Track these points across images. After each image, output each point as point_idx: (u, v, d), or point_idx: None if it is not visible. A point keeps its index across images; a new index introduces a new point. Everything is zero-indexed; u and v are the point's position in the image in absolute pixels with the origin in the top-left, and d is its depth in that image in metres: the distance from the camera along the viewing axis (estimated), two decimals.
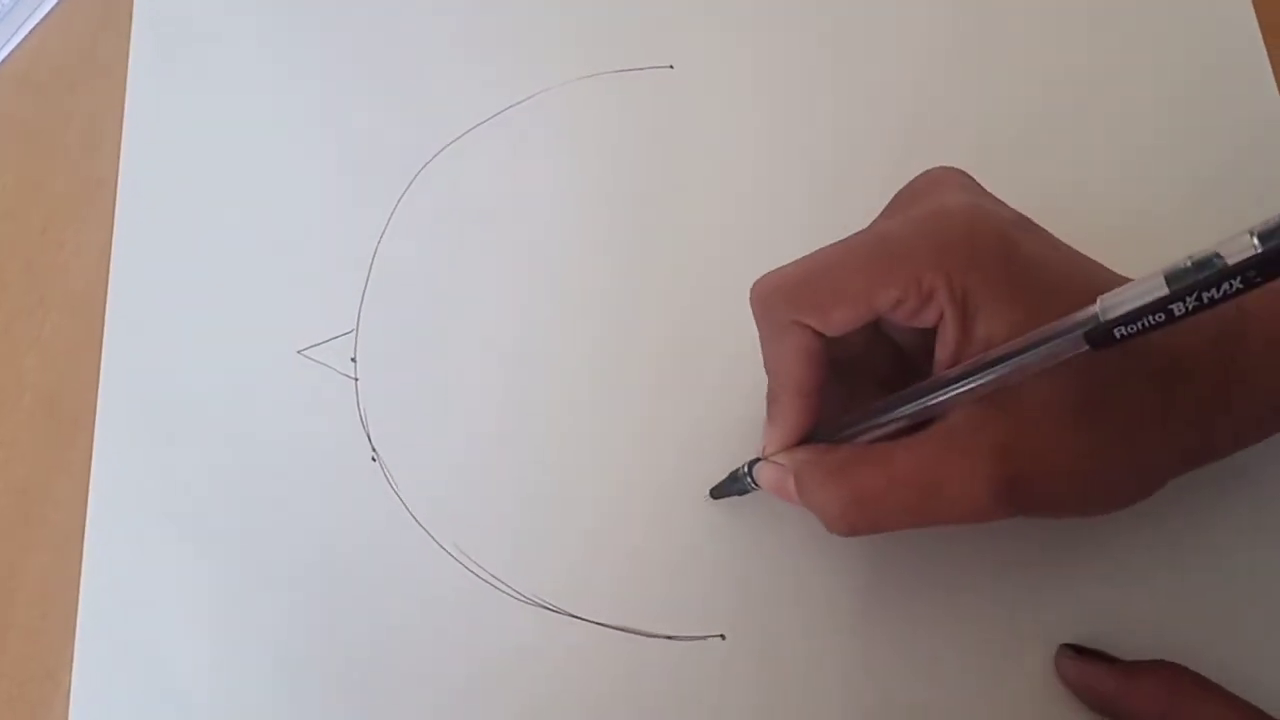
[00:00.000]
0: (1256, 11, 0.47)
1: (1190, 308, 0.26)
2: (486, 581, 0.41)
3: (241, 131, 0.48)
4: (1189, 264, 0.26)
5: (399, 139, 0.47)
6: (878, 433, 0.34)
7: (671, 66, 0.48)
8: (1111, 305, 0.28)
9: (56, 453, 0.45)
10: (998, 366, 0.31)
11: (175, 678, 0.41)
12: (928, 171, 0.36)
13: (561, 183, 0.46)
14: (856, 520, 0.34)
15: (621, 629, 0.40)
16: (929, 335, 0.34)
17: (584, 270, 0.45)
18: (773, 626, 0.40)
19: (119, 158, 0.49)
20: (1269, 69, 0.46)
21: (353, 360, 0.44)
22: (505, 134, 0.47)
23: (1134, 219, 0.44)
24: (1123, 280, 0.32)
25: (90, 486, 0.43)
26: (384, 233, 0.46)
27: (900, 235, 0.33)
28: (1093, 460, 0.33)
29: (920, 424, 0.33)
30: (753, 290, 0.35)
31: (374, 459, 0.43)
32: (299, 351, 0.45)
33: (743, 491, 0.39)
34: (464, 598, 0.41)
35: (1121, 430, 0.33)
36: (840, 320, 0.33)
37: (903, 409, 0.34)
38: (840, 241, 0.34)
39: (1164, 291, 0.26)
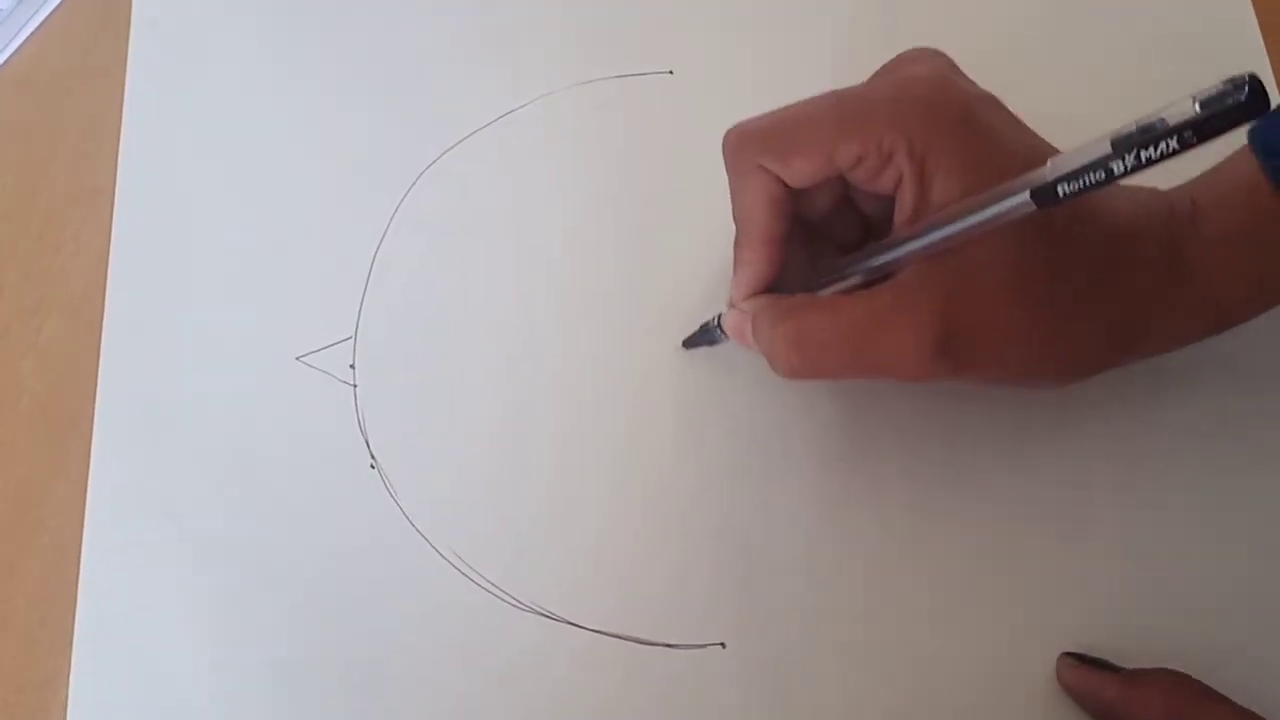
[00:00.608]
0: (1256, 13, 0.47)
1: (1129, 166, 0.27)
2: (486, 589, 0.41)
3: (240, 136, 0.48)
4: (1134, 128, 0.27)
5: (398, 144, 0.47)
6: (836, 289, 0.36)
7: (671, 72, 0.48)
8: (1059, 164, 0.29)
9: (54, 457, 0.44)
10: (948, 225, 0.32)
11: (173, 685, 0.41)
12: (911, 49, 0.37)
13: (562, 188, 0.46)
14: (799, 362, 0.35)
15: (621, 637, 0.40)
16: (893, 207, 0.35)
17: (584, 276, 0.45)
18: (773, 635, 0.39)
19: (117, 161, 0.48)
20: (1269, 70, 0.46)
21: (351, 367, 0.44)
22: (505, 139, 0.47)
23: None
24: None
25: (88, 491, 0.43)
26: (383, 239, 0.46)
27: (867, 96, 0.35)
28: (1031, 325, 0.34)
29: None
30: (724, 139, 0.37)
31: (373, 466, 0.43)
32: (298, 358, 0.44)
33: (713, 342, 0.42)
34: (463, 605, 0.41)
35: (1061, 299, 0.34)
36: (802, 169, 0.35)
37: (859, 265, 0.35)
38: (810, 98, 0.36)
39: (1107, 150, 0.27)
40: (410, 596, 0.41)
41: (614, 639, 0.40)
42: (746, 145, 0.36)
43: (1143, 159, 0.27)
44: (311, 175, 0.47)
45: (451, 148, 0.47)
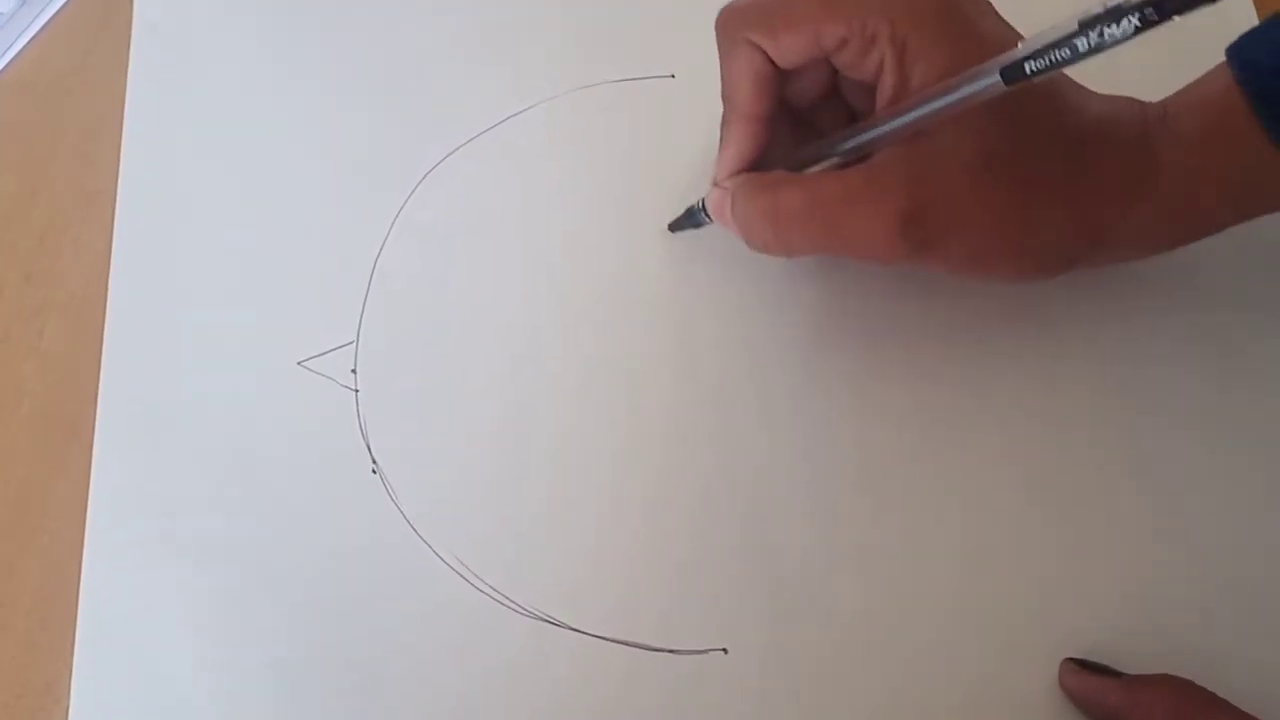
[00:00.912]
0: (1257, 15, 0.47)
1: (1093, 43, 0.28)
2: (487, 594, 0.41)
3: (241, 139, 0.48)
4: (1101, 9, 0.28)
5: (399, 148, 0.47)
6: (816, 169, 0.37)
7: (673, 75, 0.48)
8: (1028, 43, 0.30)
9: (55, 460, 0.44)
10: (923, 105, 0.33)
11: (174, 687, 0.41)
12: None
13: (563, 192, 0.46)
14: (771, 237, 0.37)
15: (623, 642, 0.40)
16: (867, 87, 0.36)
17: (585, 280, 0.45)
18: (775, 640, 0.39)
19: (119, 165, 0.48)
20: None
21: (353, 371, 0.44)
22: (507, 143, 0.47)
23: None
24: None
25: (89, 495, 0.43)
26: (384, 244, 0.46)
27: None
28: (995, 209, 0.35)
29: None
30: (717, 17, 0.38)
31: (374, 470, 0.43)
32: (299, 363, 0.44)
33: (698, 224, 0.43)
34: (464, 610, 0.41)
35: (1028, 188, 0.35)
36: (788, 46, 0.36)
37: (838, 145, 0.37)
38: None
39: (1074, 28, 0.29)
40: (411, 600, 0.41)
41: (616, 644, 0.40)
42: (736, 19, 0.37)
43: (1106, 36, 0.28)
44: (313, 179, 0.47)
45: (453, 152, 0.47)
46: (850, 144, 0.36)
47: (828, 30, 0.35)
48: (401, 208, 0.46)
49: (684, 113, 0.47)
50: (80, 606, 0.42)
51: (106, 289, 0.47)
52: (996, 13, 0.36)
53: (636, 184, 0.46)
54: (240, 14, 0.51)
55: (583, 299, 0.45)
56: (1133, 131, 0.36)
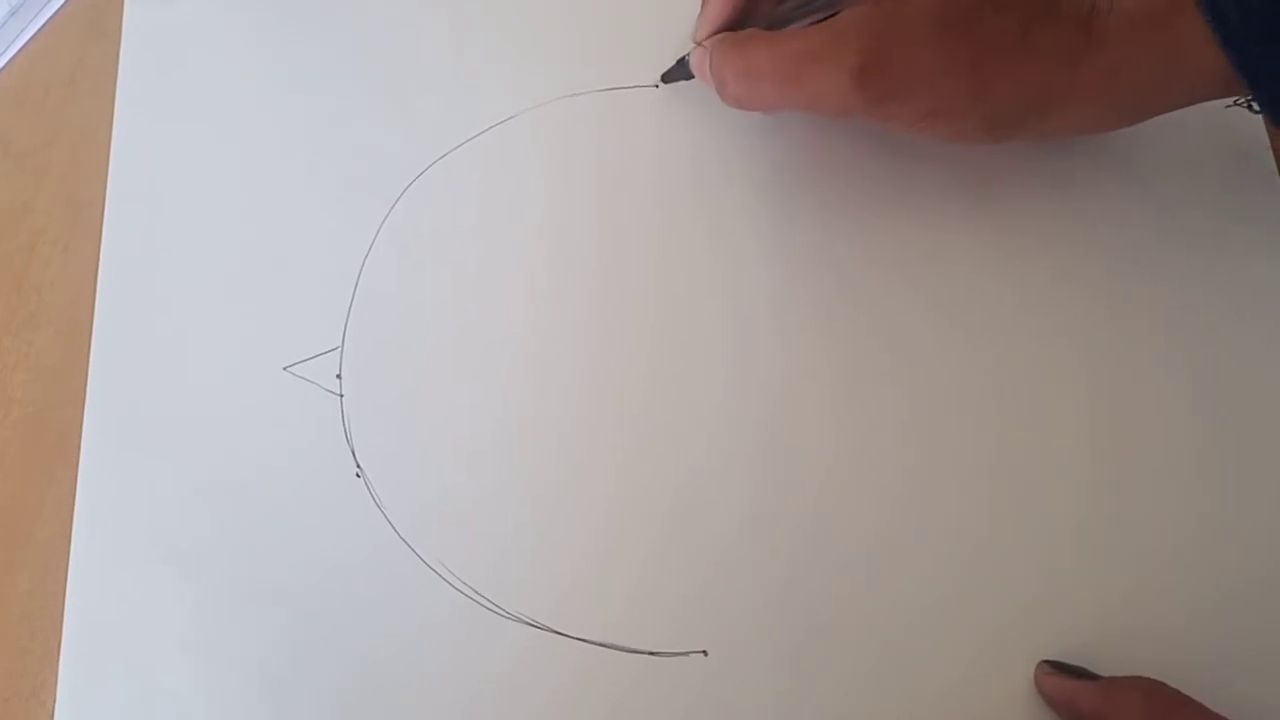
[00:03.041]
0: None
1: None
2: (471, 598, 0.41)
3: (229, 148, 0.49)
4: None
5: (384, 157, 0.48)
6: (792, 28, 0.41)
7: (657, 85, 0.48)
8: None
9: (43, 469, 0.45)
10: None
11: (160, 695, 0.41)
12: None
13: (547, 201, 0.47)
14: (741, 91, 0.40)
15: (605, 645, 0.40)
16: None
17: (569, 287, 0.45)
18: (755, 642, 0.40)
19: (107, 175, 0.49)
20: None
21: (338, 377, 0.44)
22: (490, 152, 0.48)
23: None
24: None
25: (76, 503, 0.44)
26: (369, 250, 0.46)
27: None
28: (947, 65, 0.37)
29: None
30: None
31: (358, 475, 0.43)
32: (285, 368, 0.45)
33: (688, 77, 0.45)
34: (448, 614, 0.41)
35: (981, 46, 0.37)
36: None
37: (811, 2, 0.40)
38: None
39: None
40: (395, 605, 0.41)
41: (598, 647, 0.40)
42: None
43: None
44: (299, 187, 0.48)
45: (438, 160, 0.47)
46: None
47: None
48: (386, 215, 0.47)
49: (668, 122, 0.48)
50: (66, 613, 0.42)
51: (94, 298, 0.47)
52: None
53: (620, 193, 0.47)
54: (228, 26, 0.51)
55: (566, 306, 0.45)
56: (1081, 3, 0.37)
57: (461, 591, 0.41)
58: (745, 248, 0.45)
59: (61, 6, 0.53)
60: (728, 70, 0.40)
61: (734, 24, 0.42)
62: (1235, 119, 0.45)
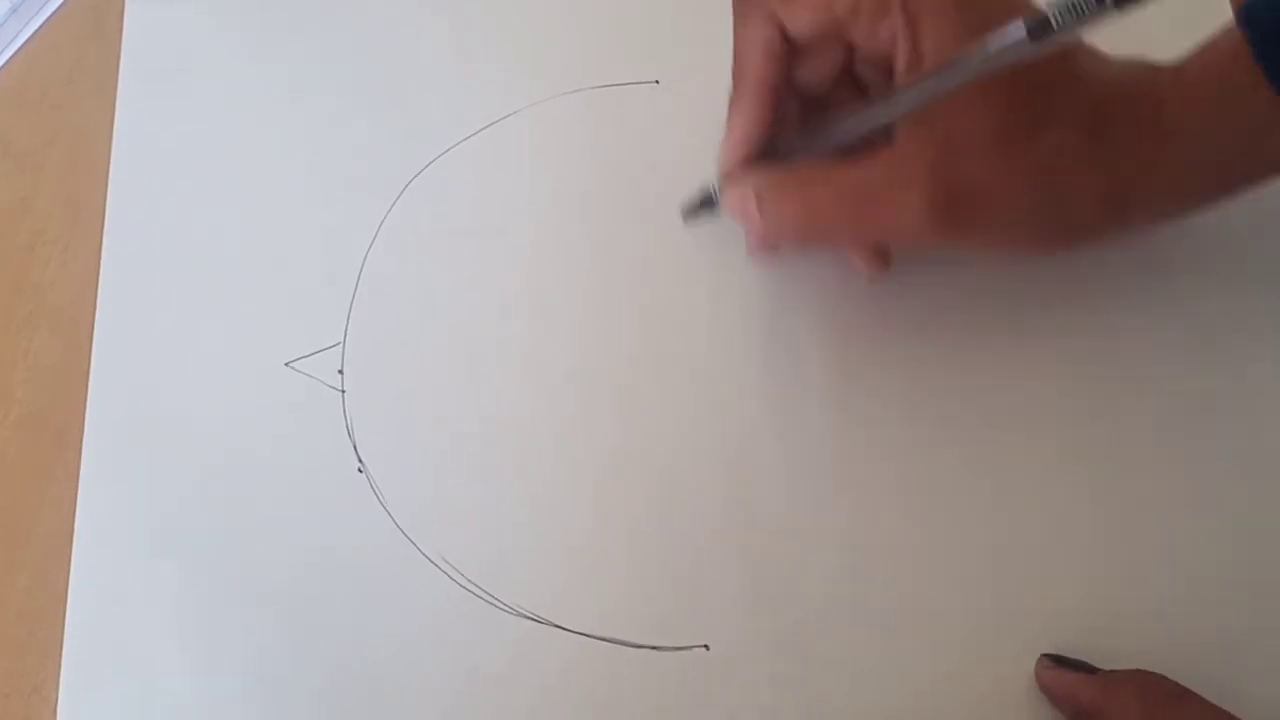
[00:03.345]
0: None
1: None
2: (472, 592, 0.41)
3: (229, 148, 0.49)
4: None
5: (386, 154, 0.48)
6: (830, 150, 0.37)
7: (657, 81, 0.48)
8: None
9: (44, 467, 0.45)
10: (943, 73, 0.33)
11: (163, 691, 0.41)
12: None
13: (547, 197, 0.47)
14: (807, 231, 0.38)
15: (606, 639, 0.40)
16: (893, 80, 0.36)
17: (569, 284, 0.45)
18: (756, 637, 0.40)
19: (107, 175, 0.49)
20: None
21: (340, 372, 0.45)
22: (491, 149, 0.48)
23: None
24: None
25: (78, 500, 0.44)
26: (371, 246, 0.46)
27: None
28: (1023, 182, 0.35)
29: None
30: None
31: (360, 470, 0.43)
32: (287, 364, 0.45)
33: (712, 207, 0.41)
34: (450, 608, 0.41)
35: (1050, 156, 0.35)
36: (804, 18, 0.37)
37: (853, 124, 0.37)
38: None
39: None
40: (397, 599, 0.41)
41: (599, 641, 0.40)
42: None
43: None
44: (301, 183, 0.48)
45: (439, 156, 0.48)
46: (870, 119, 0.36)
47: (839, 1, 0.36)
48: (388, 212, 0.47)
49: (668, 119, 0.48)
50: (68, 610, 0.42)
51: (95, 297, 0.47)
52: None
53: (620, 189, 0.47)
54: (228, 25, 0.51)
55: (565, 302, 0.45)
56: (1146, 93, 0.36)
57: (463, 586, 0.41)
58: (743, 244, 0.45)
59: (61, 6, 0.53)
60: (789, 212, 0.38)
61: (762, 147, 0.39)
62: None
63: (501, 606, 0.41)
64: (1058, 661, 0.38)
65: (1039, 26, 0.30)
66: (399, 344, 0.45)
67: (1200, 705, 0.36)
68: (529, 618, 0.41)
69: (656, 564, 0.41)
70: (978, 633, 0.39)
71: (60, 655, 0.42)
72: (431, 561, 0.42)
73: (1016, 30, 0.31)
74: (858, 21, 0.36)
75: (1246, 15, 0.35)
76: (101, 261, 0.47)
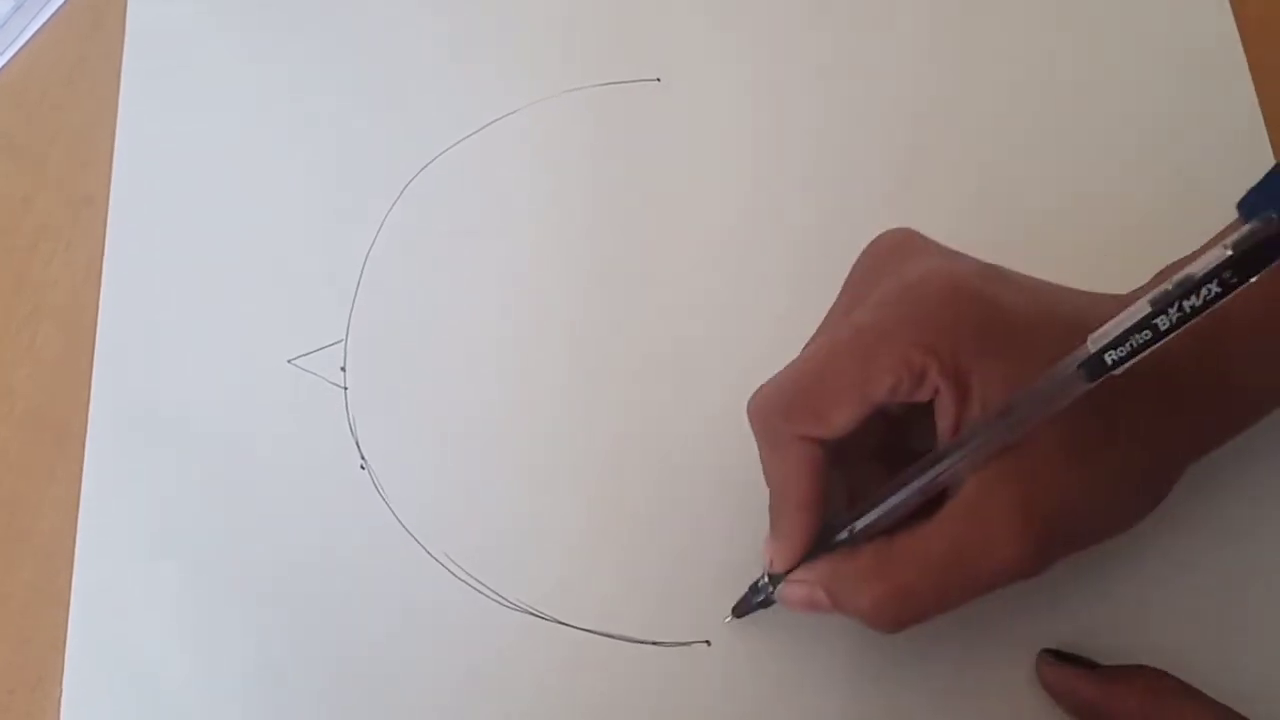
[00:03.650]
0: (1237, 23, 0.47)
1: (1174, 320, 0.27)
2: (475, 589, 0.41)
3: (231, 146, 0.49)
4: (1170, 287, 0.27)
5: (389, 152, 0.48)
6: (888, 519, 0.34)
7: (659, 79, 0.48)
8: (1100, 336, 0.28)
9: (47, 462, 0.45)
10: (1003, 426, 0.31)
11: (165, 686, 0.41)
12: (879, 239, 0.36)
13: (549, 195, 0.47)
14: (904, 615, 0.34)
15: (609, 635, 0.40)
16: (919, 404, 0.34)
17: (571, 281, 0.45)
18: (758, 633, 0.40)
19: (110, 172, 0.49)
20: (1248, 77, 0.46)
21: (342, 369, 0.45)
22: (493, 147, 0.48)
23: (1123, 229, 0.44)
24: (1095, 298, 0.34)
25: (80, 496, 0.44)
26: (373, 244, 0.47)
27: (880, 323, 0.33)
28: (1111, 487, 0.33)
29: (930, 502, 0.34)
30: (749, 408, 0.35)
31: (363, 467, 0.43)
32: (289, 361, 0.45)
33: (767, 605, 0.39)
34: (453, 604, 0.41)
35: (1128, 449, 0.33)
36: (841, 422, 0.33)
37: (913, 487, 0.33)
38: (823, 341, 0.35)
39: (1147, 310, 0.27)
40: (399, 595, 0.41)
41: (601, 637, 0.40)
42: (778, 415, 0.34)
43: (1185, 309, 0.27)
44: (303, 181, 0.48)
45: (441, 154, 0.48)
46: (927, 481, 0.33)
47: (876, 389, 0.33)
48: (390, 209, 0.47)
49: (670, 116, 0.48)
50: (72, 605, 0.42)
51: (98, 293, 0.47)
52: (1026, 282, 0.35)
53: (622, 187, 0.47)
54: (230, 22, 0.52)
55: (568, 299, 0.45)
56: (1194, 359, 0.34)
57: (466, 583, 0.41)
58: (743, 241, 0.45)
59: (63, 5, 0.53)
60: (878, 603, 0.34)
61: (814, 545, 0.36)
62: None
63: (503, 602, 0.41)
64: (1059, 657, 0.38)
65: (1094, 367, 0.29)
66: (401, 341, 0.45)
67: (1202, 702, 0.36)
68: (531, 613, 0.41)
69: (658, 560, 0.41)
70: (979, 628, 0.39)
71: (63, 650, 0.42)
72: (434, 558, 0.42)
73: (1071, 377, 0.29)
74: (895, 395, 0.33)
75: None
76: (104, 259, 0.48)
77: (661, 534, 0.41)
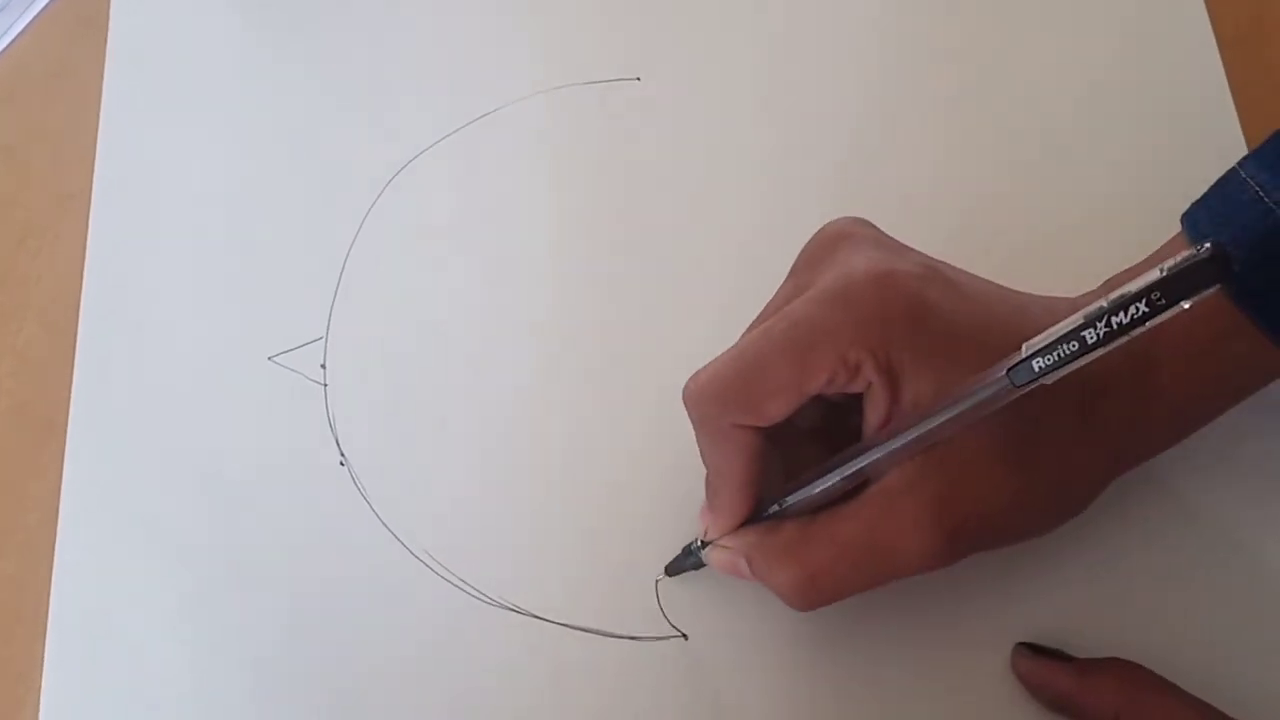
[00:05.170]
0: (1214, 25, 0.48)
1: (1102, 334, 0.27)
2: (455, 585, 0.41)
3: (212, 144, 0.49)
4: (1104, 303, 0.27)
5: (369, 150, 0.48)
6: (818, 498, 0.35)
7: (639, 78, 0.49)
8: (1032, 344, 0.29)
9: (29, 458, 0.45)
10: (929, 424, 0.32)
11: (145, 681, 0.41)
12: (825, 228, 0.37)
13: (529, 194, 0.47)
14: (813, 595, 0.35)
15: (587, 630, 0.40)
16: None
17: (550, 280, 0.46)
18: (734, 626, 0.40)
19: (92, 169, 0.49)
20: (1225, 83, 0.46)
21: (322, 366, 0.45)
22: (474, 146, 0.48)
23: (1076, 229, 0.45)
24: (1039, 301, 0.35)
25: (62, 491, 0.44)
26: (354, 242, 0.47)
27: (818, 317, 0.34)
28: (1028, 492, 0.34)
29: (860, 485, 0.34)
30: (685, 394, 0.36)
31: (342, 464, 0.43)
32: (269, 358, 0.45)
33: (698, 566, 0.39)
34: (431, 600, 0.41)
35: (1048, 458, 0.34)
36: (775, 412, 0.34)
37: (840, 473, 0.34)
38: (760, 332, 0.35)
39: (1079, 323, 0.28)
40: (378, 591, 0.41)
41: (580, 632, 0.40)
42: (713, 404, 0.35)
43: (1113, 324, 0.27)
44: (285, 178, 0.48)
45: (422, 152, 0.48)
46: (851, 469, 0.34)
47: (810, 382, 0.33)
48: (370, 207, 0.47)
49: (650, 115, 0.48)
50: (52, 600, 0.42)
51: (81, 291, 0.47)
52: (965, 281, 0.35)
53: (601, 185, 0.47)
54: (213, 20, 0.52)
55: (547, 296, 0.45)
56: (1123, 372, 0.35)
57: (445, 579, 0.41)
58: (724, 238, 0.46)
59: (47, 5, 0.54)
60: (790, 579, 0.35)
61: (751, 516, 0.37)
62: None
63: (483, 598, 0.41)
64: (1034, 650, 0.38)
65: (1021, 373, 0.29)
66: (381, 338, 0.45)
67: (1176, 694, 0.36)
68: (511, 609, 0.41)
69: (635, 554, 0.41)
70: (955, 620, 0.40)
71: (44, 644, 0.42)
72: (413, 554, 0.42)
73: (1000, 383, 0.30)
74: (830, 387, 0.34)
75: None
76: (87, 253, 0.48)
77: (639, 529, 0.41)
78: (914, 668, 0.39)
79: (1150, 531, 0.40)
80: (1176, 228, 0.36)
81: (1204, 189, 0.36)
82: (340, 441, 0.44)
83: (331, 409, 0.44)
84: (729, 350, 0.35)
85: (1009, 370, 0.29)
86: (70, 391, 0.46)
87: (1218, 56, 0.47)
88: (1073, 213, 0.45)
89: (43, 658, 0.42)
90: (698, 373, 0.35)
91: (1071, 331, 0.28)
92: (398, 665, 0.41)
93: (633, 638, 0.40)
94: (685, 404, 0.36)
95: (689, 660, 0.40)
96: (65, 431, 0.45)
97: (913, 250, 0.36)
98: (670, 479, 0.42)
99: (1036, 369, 0.29)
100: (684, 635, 0.40)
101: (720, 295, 0.45)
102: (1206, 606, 0.39)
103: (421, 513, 0.42)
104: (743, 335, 0.36)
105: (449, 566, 0.42)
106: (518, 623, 0.41)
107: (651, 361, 0.44)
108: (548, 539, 0.42)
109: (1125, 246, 0.37)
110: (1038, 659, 0.38)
